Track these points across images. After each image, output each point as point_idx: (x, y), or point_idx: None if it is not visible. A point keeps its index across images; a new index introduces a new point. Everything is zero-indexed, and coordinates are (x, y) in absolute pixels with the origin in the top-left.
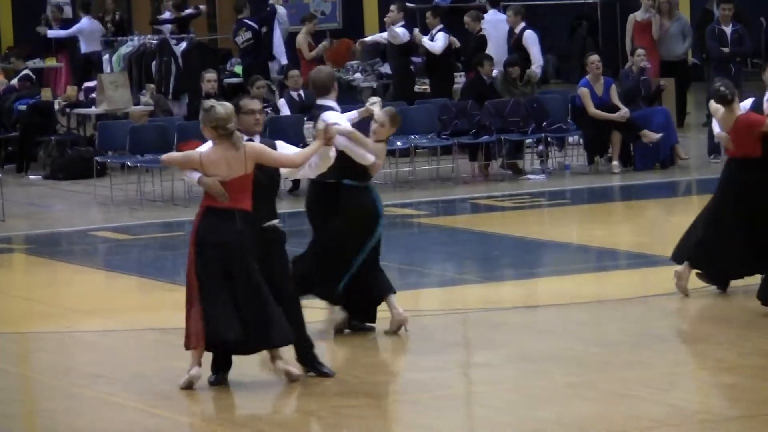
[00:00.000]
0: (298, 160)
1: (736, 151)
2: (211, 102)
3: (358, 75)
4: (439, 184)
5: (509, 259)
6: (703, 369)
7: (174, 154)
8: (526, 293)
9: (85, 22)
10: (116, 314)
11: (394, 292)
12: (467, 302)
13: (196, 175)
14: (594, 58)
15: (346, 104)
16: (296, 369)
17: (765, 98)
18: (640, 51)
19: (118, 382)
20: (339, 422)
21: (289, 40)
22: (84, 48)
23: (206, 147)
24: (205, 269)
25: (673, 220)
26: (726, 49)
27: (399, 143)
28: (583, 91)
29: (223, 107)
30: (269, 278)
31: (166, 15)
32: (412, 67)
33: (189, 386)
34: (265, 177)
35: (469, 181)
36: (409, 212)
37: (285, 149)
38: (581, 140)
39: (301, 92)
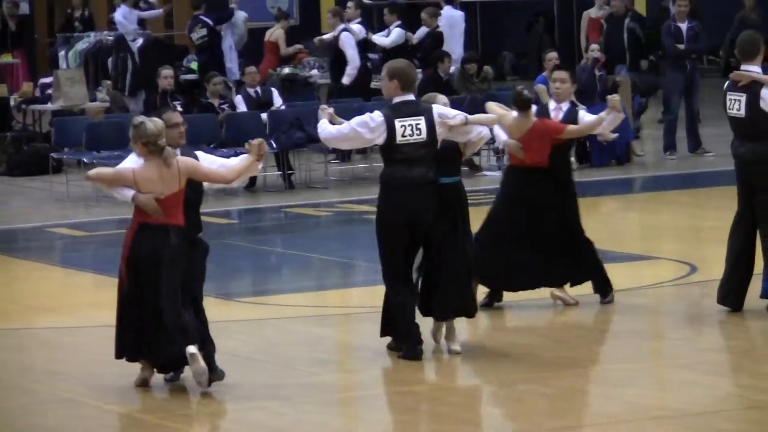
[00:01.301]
0: (230, 177)
1: (527, 159)
2: (141, 118)
3: (315, 72)
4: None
5: None
6: (659, 365)
7: (103, 171)
8: (484, 289)
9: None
10: (73, 311)
11: None
12: None
13: (129, 193)
14: (552, 54)
15: (303, 100)
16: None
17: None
18: (594, 45)
19: (75, 378)
20: (301, 419)
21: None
22: None
23: (131, 162)
24: (134, 287)
25: (630, 216)
26: (681, 46)
27: None
28: (540, 88)
29: (153, 123)
30: (184, 283)
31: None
32: (368, 64)
33: (143, 383)
34: (192, 191)
35: None
36: (366, 209)
37: (207, 161)
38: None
39: (258, 89)
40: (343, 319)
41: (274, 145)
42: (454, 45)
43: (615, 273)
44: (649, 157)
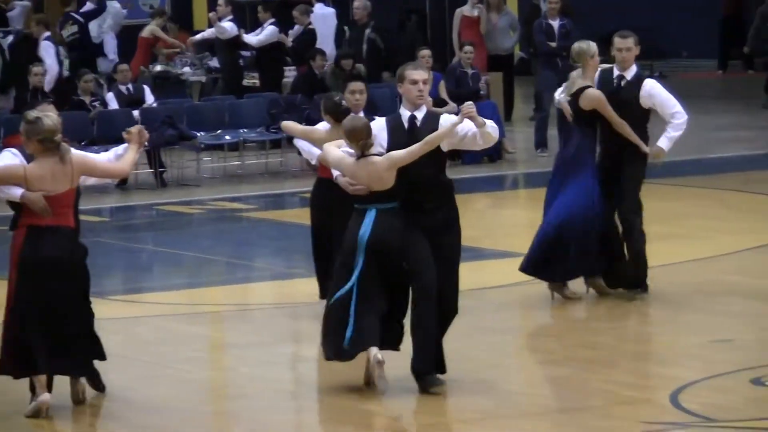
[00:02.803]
0: (126, 168)
1: None
2: (35, 113)
3: (187, 69)
4: (269, 178)
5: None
6: (531, 361)
7: None
8: None
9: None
10: None
11: None
12: (297, 296)
13: (17, 191)
14: (425, 52)
15: (175, 98)
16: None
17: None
18: (467, 48)
19: None
20: (170, 416)
21: (124, 34)
22: None
23: (8, 159)
24: (27, 293)
25: (502, 213)
26: (553, 44)
27: (228, 137)
28: None
29: (50, 118)
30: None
31: None
32: (240, 61)
33: (36, 415)
34: None
35: (298, 175)
36: (239, 206)
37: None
38: None
39: (130, 86)
40: (216, 316)
41: (146, 143)
42: (327, 42)
43: (488, 270)
44: (520, 154)
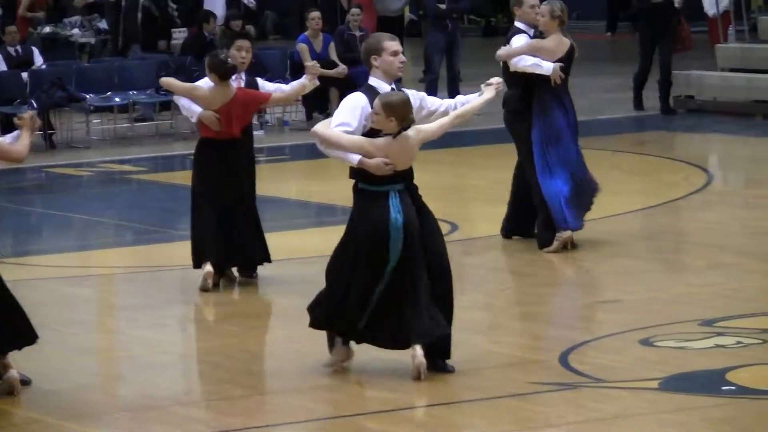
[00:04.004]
0: (24, 152)
1: (225, 131)
2: None
3: (76, 30)
4: (159, 140)
5: None
6: None
7: None
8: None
9: None
10: None
11: None
12: (186, 258)
13: None
14: (315, 14)
15: (64, 60)
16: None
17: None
18: (355, 10)
19: None
20: (58, 378)
21: None
22: None
23: None
24: None
25: None
26: (443, 6)
27: (117, 99)
28: (302, 47)
29: None
30: None
31: None
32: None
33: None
34: None
35: (188, 137)
36: (128, 168)
37: None
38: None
39: (18, 48)
40: (105, 279)
41: (35, 105)
42: (216, 4)
43: None
44: None
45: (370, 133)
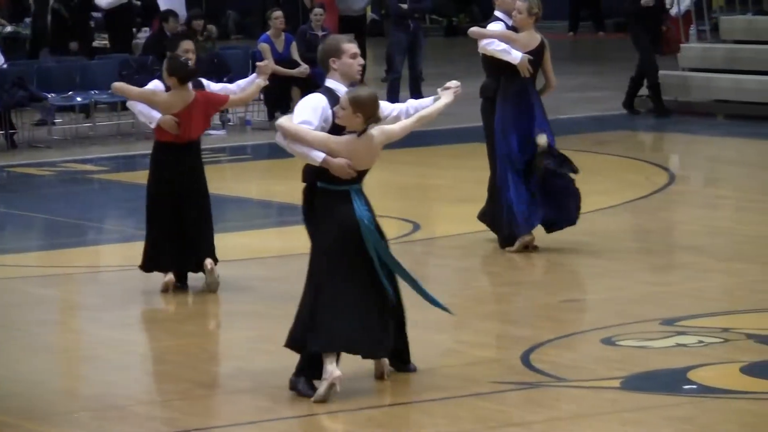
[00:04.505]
0: None
1: (184, 135)
2: None
3: None
4: (120, 140)
5: None
6: None
7: None
8: None
9: None
10: None
11: None
12: None
13: None
14: (278, 14)
15: (25, 59)
16: None
17: None
18: (317, 10)
19: None
20: (18, 379)
21: None
22: None
23: None
24: None
25: None
26: (405, 5)
27: (79, 99)
28: (264, 47)
29: None
30: None
31: None
32: (91, 23)
33: None
34: None
35: (150, 137)
36: (90, 168)
37: None
38: (261, 95)
39: None
40: (67, 278)
41: None
42: (177, 3)
43: None
44: None
45: (334, 129)
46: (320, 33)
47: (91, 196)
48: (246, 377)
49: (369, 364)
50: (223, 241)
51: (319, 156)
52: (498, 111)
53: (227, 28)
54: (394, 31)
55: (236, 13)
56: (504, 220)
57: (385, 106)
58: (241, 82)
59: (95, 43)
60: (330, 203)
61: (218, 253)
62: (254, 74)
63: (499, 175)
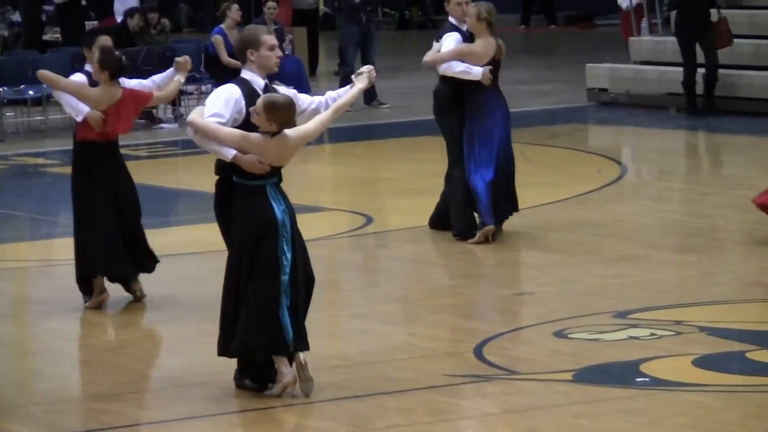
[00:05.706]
0: None
1: (110, 132)
2: None
3: None
4: (72, 132)
5: (144, 209)
6: (334, 315)
7: None
8: (161, 242)
9: None
10: None
11: None
12: None
13: None
14: (234, 7)
15: None
16: None
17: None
18: (270, 3)
19: None
20: None
21: None
22: None
23: None
24: None
25: (306, 168)
26: None
27: (31, 92)
28: (217, 39)
29: None
30: None
31: None
32: (43, 16)
33: None
34: None
35: None
36: (42, 162)
37: None
38: (214, 89)
39: None
40: (20, 272)
41: None
42: None
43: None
44: None
45: (247, 122)
46: (273, 27)
47: (43, 190)
48: (199, 370)
49: (324, 357)
50: (176, 235)
51: (230, 153)
52: (468, 122)
53: (180, 21)
54: (347, 25)
55: (188, 7)
56: (459, 212)
57: (304, 99)
58: (157, 78)
59: (46, 36)
60: (249, 200)
61: (171, 247)
62: (171, 69)
63: (469, 173)
